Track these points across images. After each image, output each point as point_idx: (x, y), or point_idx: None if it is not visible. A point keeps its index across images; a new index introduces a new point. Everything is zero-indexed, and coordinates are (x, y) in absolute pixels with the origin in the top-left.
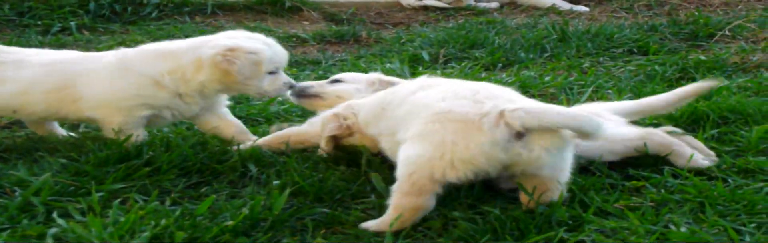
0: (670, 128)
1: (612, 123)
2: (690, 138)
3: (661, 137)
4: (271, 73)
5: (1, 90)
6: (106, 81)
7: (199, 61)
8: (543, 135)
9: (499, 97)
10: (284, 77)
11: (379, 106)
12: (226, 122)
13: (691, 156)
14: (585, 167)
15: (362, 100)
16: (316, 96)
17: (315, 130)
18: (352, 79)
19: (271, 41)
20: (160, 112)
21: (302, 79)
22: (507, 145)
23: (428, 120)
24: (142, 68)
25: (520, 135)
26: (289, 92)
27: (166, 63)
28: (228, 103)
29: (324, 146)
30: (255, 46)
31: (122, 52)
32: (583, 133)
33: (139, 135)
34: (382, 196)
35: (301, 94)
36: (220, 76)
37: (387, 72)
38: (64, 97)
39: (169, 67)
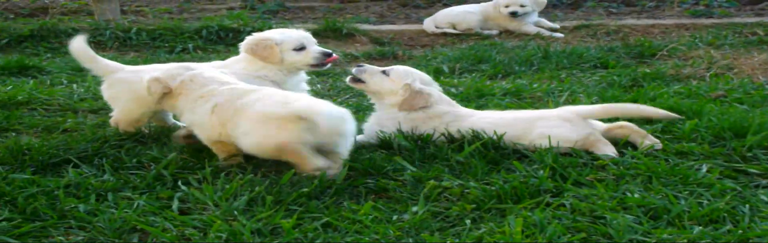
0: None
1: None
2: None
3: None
4: (299, 49)
5: None
6: None
7: (245, 55)
8: None
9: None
10: (316, 49)
11: None
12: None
13: (651, 146)
14: (566, 152)
15: None
16: (361, 81)
17: None
18: (396, 77)
19: (289, 30)
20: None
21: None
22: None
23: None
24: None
25: None
26: (348, 77)
27: (243, 63)
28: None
29: None
30: (265, 35)
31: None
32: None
33: None
34: (413, 170)
35: (354, 77)
36: (260, 60)
37: None
38: None
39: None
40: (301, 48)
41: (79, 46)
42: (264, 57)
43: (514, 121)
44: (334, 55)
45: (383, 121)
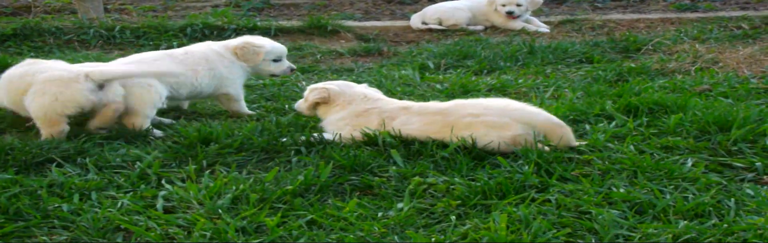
0: None
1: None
2: None
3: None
4: (275, 60)
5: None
6: None
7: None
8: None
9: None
10: (287, 63)
11: None
12: None
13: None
14: (549, 145)
15: None
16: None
17: None
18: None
19: (273, 42)
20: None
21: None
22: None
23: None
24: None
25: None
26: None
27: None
28: None
29: None
30: (259, 42)
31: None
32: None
33: None
34: (400, 167)
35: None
36: (240, 59)
37: (402, 77)
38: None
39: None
40: (278, 60)
41: None
42: (246, 59)
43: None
44: (294, 70)
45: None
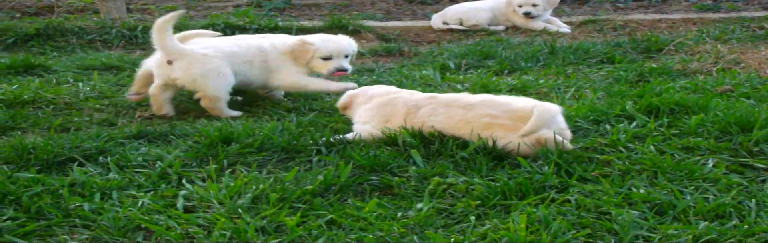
0: None
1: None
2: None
3: None
4: (325, 59)
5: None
6: None
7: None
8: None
9: None
10: (337, 63)
11: None
12: None
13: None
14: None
15: None
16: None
17: None
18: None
19: (333, 38)
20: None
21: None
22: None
23: None
24: None
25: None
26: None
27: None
28: None
29: None
30: (310, 40)
31: None
32: None
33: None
34: (420, 167)
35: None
36: (291, 57)
37: (423, 77)
38: None
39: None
40: (328, 58)
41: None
42: (296, 57)
43: None
44: (346, 71)
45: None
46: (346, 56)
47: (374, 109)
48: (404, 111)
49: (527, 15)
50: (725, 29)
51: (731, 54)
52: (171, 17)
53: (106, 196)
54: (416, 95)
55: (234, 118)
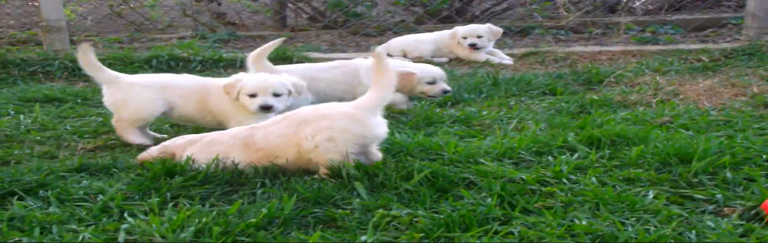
0: None
1: None
2: None
3: None
4: (430, 83)
5: None
6: None
7: None
8: None
9: None
10: (442, 86)
11: None
12: None
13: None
14: (511, 179)
15: None
16: None
17: None
18: None
19: (430, 68)
20: None
21: None
22: None
23: None
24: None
25: None
26: None
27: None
28: None
29: None
30: (409, 70)
31: None
32: None
33: None
34: (364, 199)
35: None
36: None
37: None
38: None
39: None
40: (431, 83)
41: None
42: (402, 85)
43: None
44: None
45: None
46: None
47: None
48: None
49: (473, 46)
50: (664, 61)
51: (670, 86)
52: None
53: (46, 230)
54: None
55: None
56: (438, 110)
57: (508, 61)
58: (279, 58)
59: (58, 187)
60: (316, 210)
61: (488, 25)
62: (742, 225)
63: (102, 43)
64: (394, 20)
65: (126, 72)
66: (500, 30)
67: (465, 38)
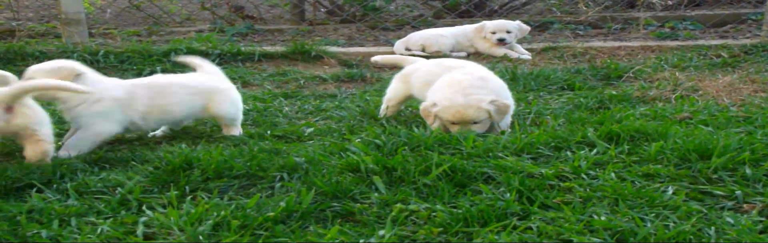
0: None
1: None
2: None
3: None
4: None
5: None
6: None
7: None
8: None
9: None
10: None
11: None
12: None
13: None
14: (530, 174)
15: None
16: None
17: None
18: None
19: None
20: None
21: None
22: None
23: None
24: None
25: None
26: None
27: None
28: None
29: None
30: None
31: None
32: None
33: None
34: (382, 193)
35: None
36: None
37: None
38: None
39: None
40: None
41: None
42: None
43: None
44: None
45: None
46: None
47: None
48: None
49: (501, 41)
50: (683, 57)
51: (689, 81)
52: None
53: (65, 222)
54: None
55: None
56: None
57: (526, 56)
58: (297, 51)
59: (76, 179)
60: (335, 204)
61: (518, 21)
62: (761, 221)
63: (120, 36)
64: (412, 14)
65: (145, 65)
66: (528, 28)
67: (494, 33)
